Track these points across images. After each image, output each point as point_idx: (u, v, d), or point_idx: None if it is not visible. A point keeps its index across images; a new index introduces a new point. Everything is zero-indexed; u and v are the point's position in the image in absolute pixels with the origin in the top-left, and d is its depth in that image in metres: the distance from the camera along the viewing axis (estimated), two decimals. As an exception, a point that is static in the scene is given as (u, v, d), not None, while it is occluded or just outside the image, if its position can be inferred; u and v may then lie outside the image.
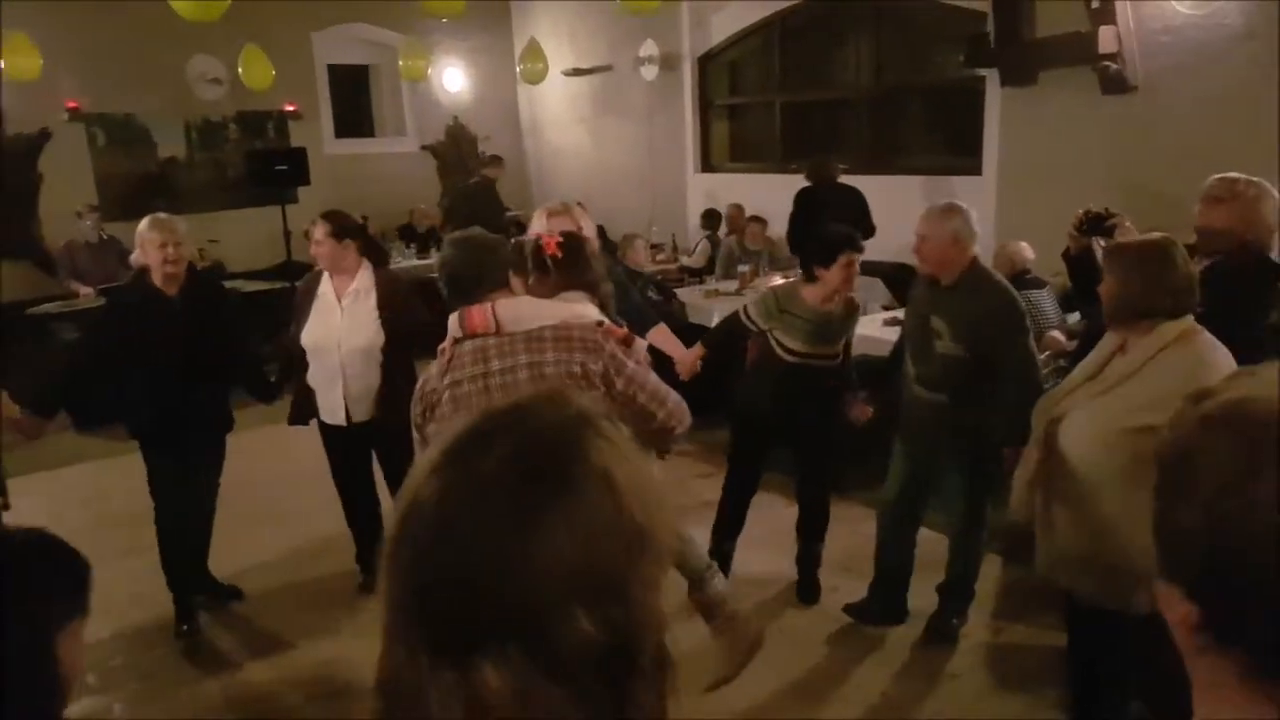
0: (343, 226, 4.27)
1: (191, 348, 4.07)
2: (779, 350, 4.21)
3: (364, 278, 4.28)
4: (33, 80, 8.16)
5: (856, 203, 7.53)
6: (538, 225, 4.17)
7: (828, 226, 4.75)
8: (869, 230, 7.42)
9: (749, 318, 4.26)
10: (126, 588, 4.45)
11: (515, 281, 2.83)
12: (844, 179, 7.84)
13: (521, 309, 2.66)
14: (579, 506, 0.74)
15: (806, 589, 4.46)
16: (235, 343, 4.45)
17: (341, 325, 4.21)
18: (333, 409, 4.29)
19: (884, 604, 4.11)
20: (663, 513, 0.79)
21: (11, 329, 7.37)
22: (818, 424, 4.30)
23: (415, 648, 0.74)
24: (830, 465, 4.53)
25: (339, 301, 4.23)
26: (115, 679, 4.01)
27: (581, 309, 2.75)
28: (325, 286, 4.29)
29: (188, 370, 4.06)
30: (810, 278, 4.15)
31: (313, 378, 4.30)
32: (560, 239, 2.98)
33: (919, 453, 3.89)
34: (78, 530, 5.51)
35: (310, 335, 4.25)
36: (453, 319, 2.67)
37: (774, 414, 4.22)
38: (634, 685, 0.75)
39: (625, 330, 2.81)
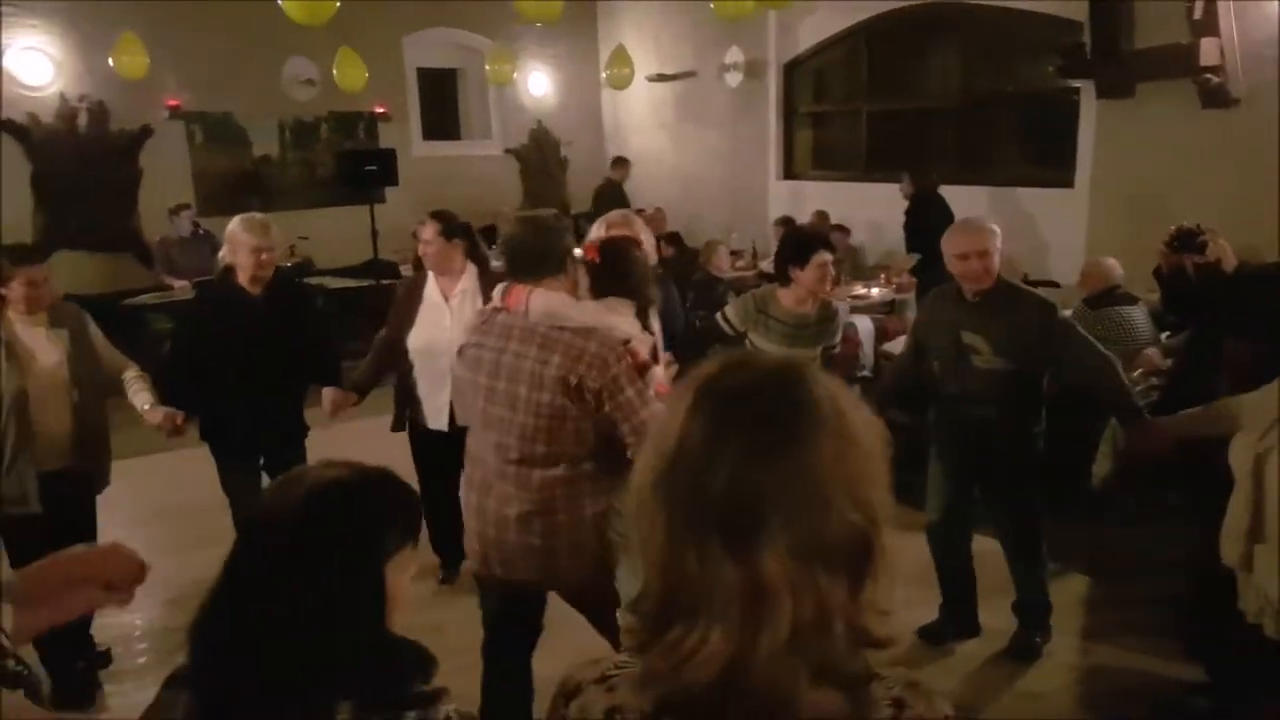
0: (451, 226, 4.27)
1: (272, 348, 4.01)
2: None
3: (469, 279, 4.27)
4: (138, 79, 8.48)
5: (947, 211, 7.47)
6: (596, 234, 4.25)
7: (799, 226, 4.76)
8: None
9: (726, 320, 4.23)
10: (202, 577, 4.52)
11: (559, 279, 2.82)
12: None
13: (552, 303, 2.69)
14: (823, 427, 0.94)
15: None
16: (318, 344, 4.38)
17: (451, 326, 4.15)
18: (438, 412, 4.24)
19: (956, 622, 4.05)
20: (870, 423, 0.99)
21: (108, 319, 7.62)
22: None
23: (704, 548, 0.91)
24: None
25: (446, 303, 4.22)
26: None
27: (614, 320, 2.79)
28: (430, 288, 4.27)
29: (269, 371, 4.01)
30: (785, 280, 4.10)
31: (419, 381, 4.26)
32: (600, 244, 3.04)
33: (962, 470, 3.82)
34: (165, 516, 5.63)
35: (418, 337, 4.22)
36: (498, 288, 2.80)
37: None
38: (875, 567, 0.94)
39: (646, 357, 2.86)
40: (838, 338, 4.37)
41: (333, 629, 1.26)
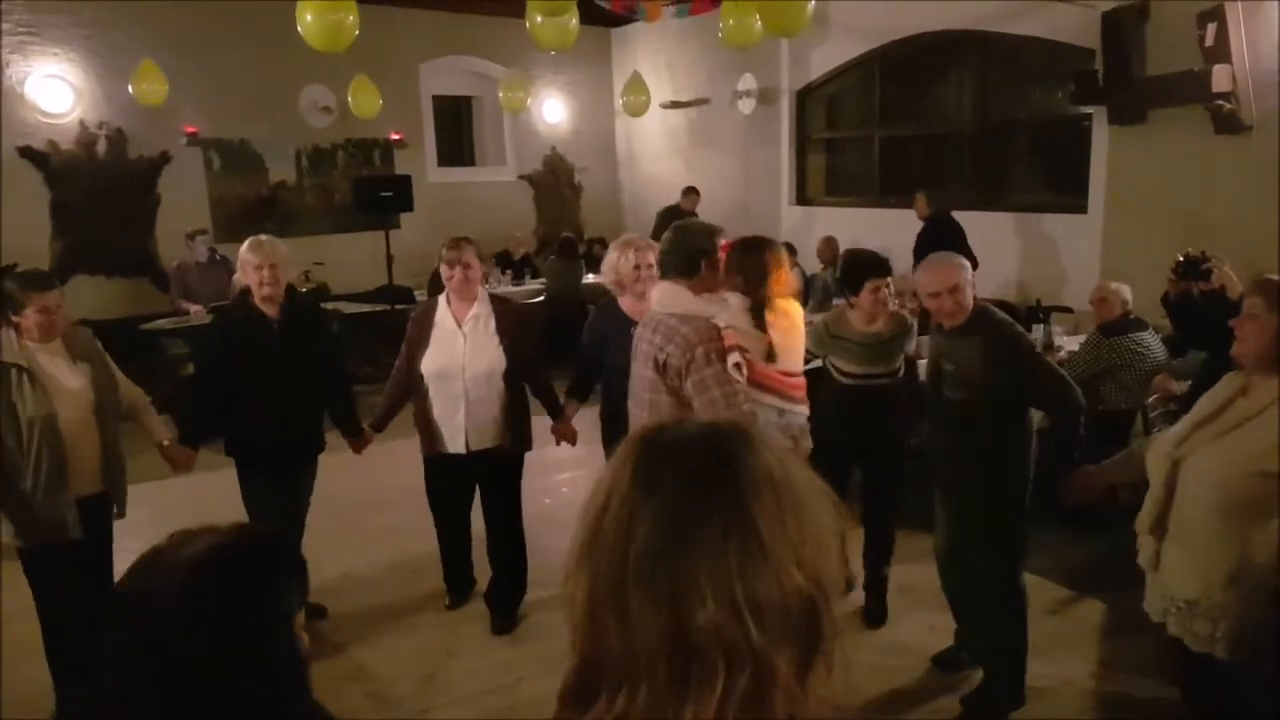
0: (478, 252, 4.36)
1: (289, 368, 4.12)
2: (836, 375, 4.30)
3: (482, 304, 4.32)
4: (157, 106, 8.59)
5: (961, 235, 7.48)
6: (612, 255, 4.32)
7: (853, 253, 4.79)
8: (973, 263, 7.42)
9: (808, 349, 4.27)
10: None
11: (692, 278, 3.17)
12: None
13: (666, 294, 3.18)
14: (763, 482, 0.89)
15: (875, 612, 4.41)
16: (331, 367, 4.50)
17: (465, 350, 4.23)
18: (454, 436, 4.28)
19: (970, 649, 3.99)
20: (820, 491, 0.93)
21: (124, 343, 7.68)
22: (883, 444, 4.32)
23: (624, 607, 0.86)
24: (897, 486, 4.52)
25: (460, 327, 4.27)
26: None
27: (715, 308, 3.12)
28: (443, 313, 4.31)
29: (289, 392, 4.12)
30: (851, 303, 4.27)
31: (434, 406, 4.30)
32: (730, 244, 3.41)
33: (948, 506, 3.76)
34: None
35: (432, 362, 4.26)
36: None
37: (843, 436, 4.18)
38: (825, 644, 0.88)
39: (736, 339, 3.10)
40: (912, 345, 4.44)
41: (257, 706, 1.17)
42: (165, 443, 4.05)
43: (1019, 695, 3.69)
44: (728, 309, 3.21)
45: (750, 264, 3.43)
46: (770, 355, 3.26)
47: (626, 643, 0.85)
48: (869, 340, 4.21)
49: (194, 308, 8.39)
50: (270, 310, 4.14)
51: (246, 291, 4.19)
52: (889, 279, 4.18)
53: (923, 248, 7.68)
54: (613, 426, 4.35)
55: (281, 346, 4.12)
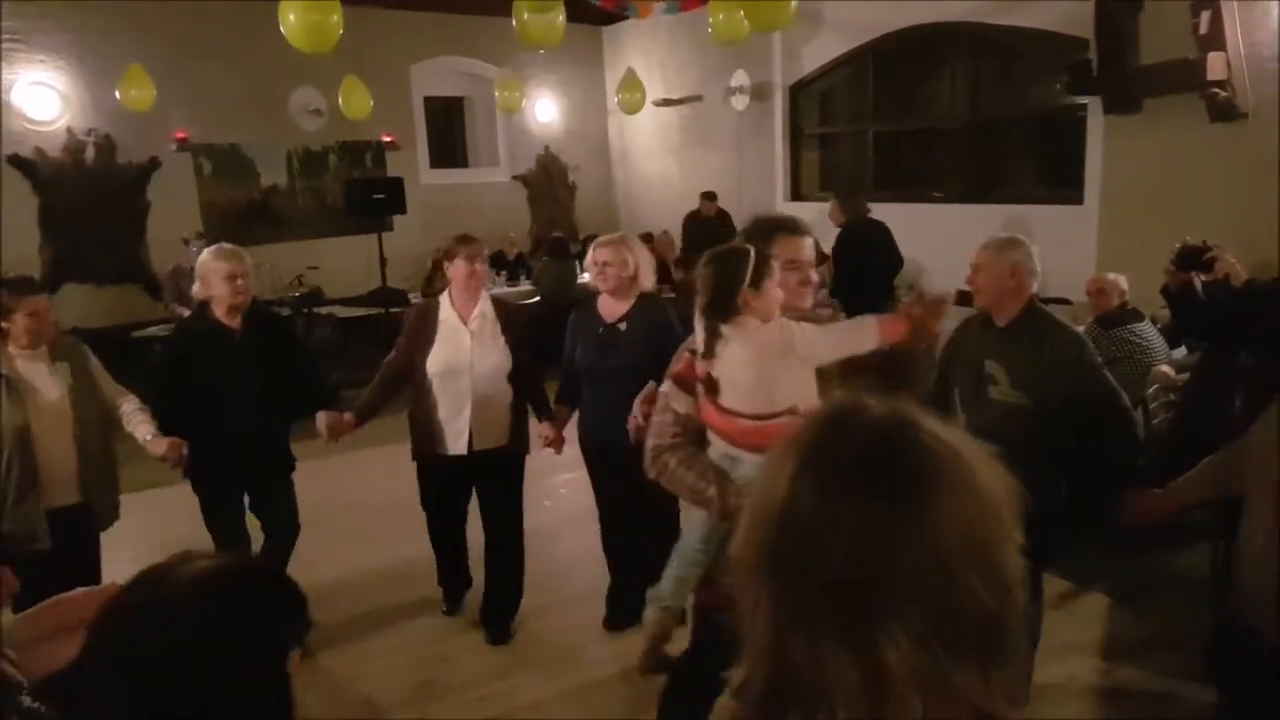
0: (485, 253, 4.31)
1: (253, 382, 3.99)
2: None
3: (486, 303, 4.28)
4: (145, 111, 8.53)
5: (887, 237, 7.47)
6: (593, 255, 4.23)
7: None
8: (899, 263, 7.63)
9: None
10: None
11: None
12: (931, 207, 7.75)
13: None
14: (946, 489, 0.84)
15: None
16: (303, 374, 4.33)
17: (472, 348, 4.17)
18: (457, 436, 4.20)
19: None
20: (1000, 478, 0.89)
21: (116, 350, 7.63)
22: None
23: (816, 637, 0.82)
24: None
25: (465, 325, 4.21)
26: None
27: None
28: (446, 312, 4.23)
29: (254, 405, 3.98)
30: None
31: (438, 405, 4.22)
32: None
33: None
34: (175, 550, 5.61)
35: (439, 360, 4.18)
36: None
37: None
38: (1008, 647, 0.85)
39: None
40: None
41: None
42: (149, 438, 3.80)
43: (1023, 696, 3.63)
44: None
45: (707, 277, 2.59)
46: (711, 387, 2.53)
47: (817, 671, 0.82)
48: None
49: (187, 312, 8.33)
50: (232, 321, 3.99)
51: (206, 304, 4.01)
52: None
53: (841, 256, 7.61)
54: (587, 427, 4.30)
55: (244, 358, 3.98)
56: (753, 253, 2.42)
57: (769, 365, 2.40)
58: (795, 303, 2.53)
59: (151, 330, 8.13)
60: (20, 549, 3.43)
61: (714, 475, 2.48)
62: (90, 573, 3.80)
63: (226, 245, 4.07)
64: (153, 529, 5.41)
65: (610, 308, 4.15)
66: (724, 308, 2.40)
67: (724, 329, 2.41)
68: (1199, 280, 3.47)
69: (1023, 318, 3.34)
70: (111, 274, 9.31)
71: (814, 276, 2.63)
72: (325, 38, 4.64)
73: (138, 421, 3.83)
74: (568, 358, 4.32)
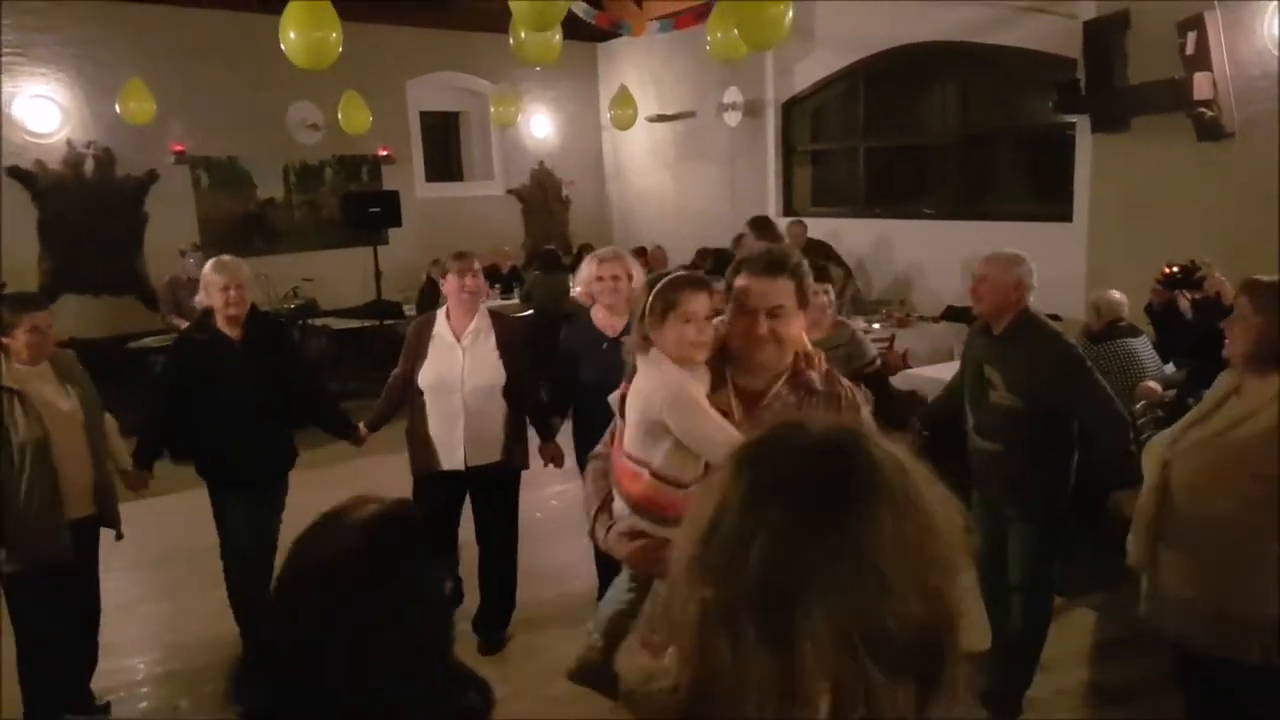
0: (480, 267, 4.36)
1: (255, 389, 4.10)
2: None
3: (482, 318, 4.30)
4: (145, 124, 8.59)
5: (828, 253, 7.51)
6: (587, 270, 4.28)
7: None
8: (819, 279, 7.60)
9: None
10: (217, 618, 4.44)
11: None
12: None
13: None
14: (882, 498, 0.83)
15: None
16: (306, 384, 4.49)
17: (464, 364, 4.20)
18: (451, 452, 4.22)
19: (1008, 684, 3.77)
20: (948, 503, 0.88)
21: (113, 361, 7.66)
22: None
23: (738, 635, 0.82)
24: None
25: (458, 341, 4.25)
26: (184, 714, 4.06)
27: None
28: (441, 327, 4.28)
29: (253, 411, 4.11)
30: None
31: (431, 421, 4.26)
32: None
33: (987, 504, 3.76)
34: (174, 558, 5.59)
35: (430, 375, 4.23)
36: None
37: None
38: (949, 675, 0.83)
39: None
40: (869, 355, 4.33)
41: (416, 660, 1.26)
42: (124, 467, 4.04)
43: (1017, 705, 3.68)
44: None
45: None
46: (623, 409, 2.43)
47: (739, 672, 0.82)
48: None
49: (184, 324, 8.36)
50: (233, 331, 4.12)
51: (208, 312, 4.15)
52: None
53: None
54: (585, 444, 4.33)
55: (244, 366, 4.10)
56: (655, 288, 2.33)
57: (650, 406, 2.29)
58: (686, 354, 2.31)
59: (148, 341, 8.15)
60: (45, 564, 3.49)
61: (599, 499, 2.51)
62: (93, 585, 3.87)
63: (225, 257, 4.21)
64: (144, 538, 5.45)
65: (608, 321, 4.19)
66: (641, 335, 2.35)
67: (639, 355, 2.36)
68: (1187, 298, 3.55)
69: (1017, 324, 3.52)
70: (109, 285, 9.36)
71: (708, 332, 2.31)
72: (325, 55, 4.71)
73: (120, 443, 4.02)
74: (563, 371, 4.35)
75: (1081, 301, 5.95)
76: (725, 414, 2.28)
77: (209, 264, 4.15)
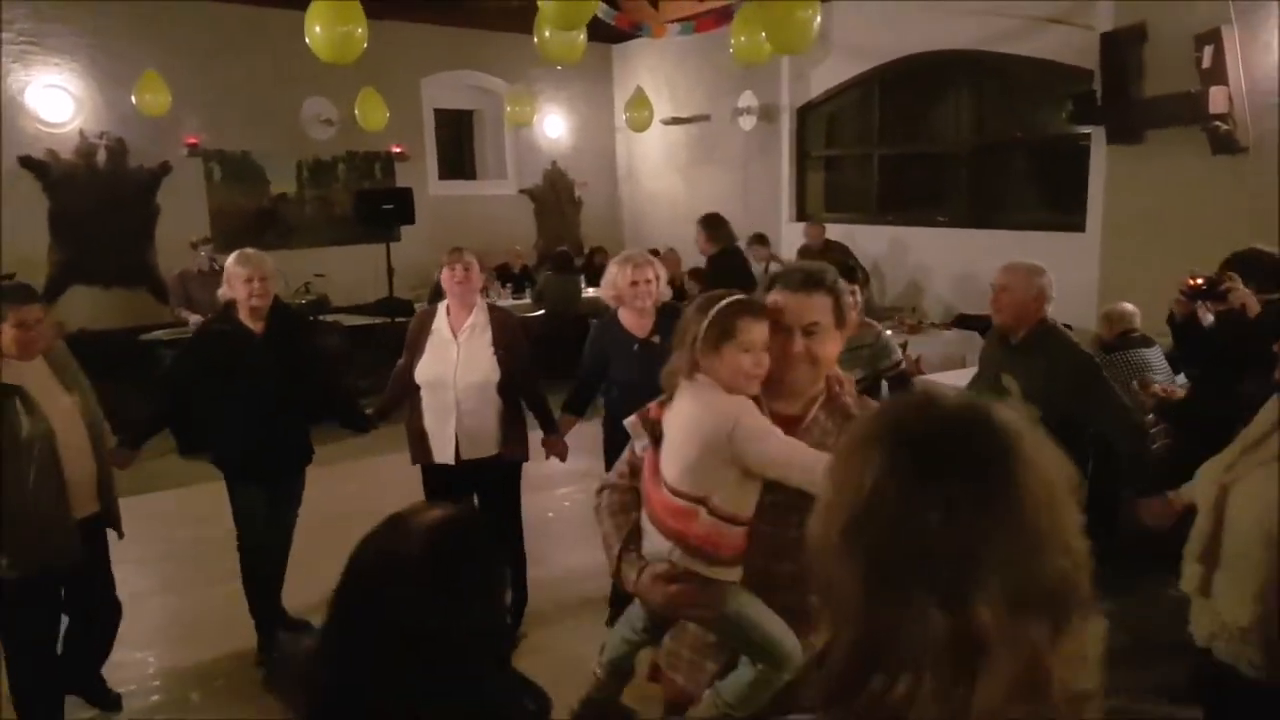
0: (475, 261, 4.39)
1: (277, 382, 4.12)
2: None
3: (480, 313, 4.33)
4: (160, 116, 8.61)
5: (744, 264, 7.49)
6: (617, 275, 4.28)
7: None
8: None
9: None
10: (226, 611, 4.49)
11: None
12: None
13: None
14: (1027, 468, 0.91)
15: None
16: (324, 378, 4.50)
17: (458, 360, 4.22)
18: (444, 446, 4.25)
19: None
20: (1062, 459, 0.96)
21: (123, 353, 7.68)
22: None
23: (909, 599, 0.88)
24: None
25: (455, 337, 4.26)
26: (195, 707, 4.05)
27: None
28: (440, 322, 4.32)
29: (273, 404, 4.12)
30: None
31: (426, 414, 4.30)
32: None
33: None
34: (182, 552, 5.59)
35: (426, 370, 4.26)
36: None
37: None
38: (1079, 614, 0.92)
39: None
40: (894, 356, 4.35)
41: (477, 660, 1.30)
42: (111, 448, 3.88)
43: None
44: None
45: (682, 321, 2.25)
46: (656, 435, 2.19)
47: (908, 629, 0.88)
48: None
49: (193, 317, 8.37)
50: (255, 323, 4.14)
51: (231, 304, 4.17)
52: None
53: (710, 284, 7.67)
54: (613, 445, 4.35)
55: (265, 359, 4.10)
56: (710, 312, 2.12)
57: (702, 438, 2.08)
58: (740, 385, 2.11)
59: (158, 334, 8.16)
60: (56, 567, 3.39)
61: (621, 536, 2.23)
62: (108, 585, 3.81)
63: (249, 250, 4.23)
64: (150, 532, 5.47)
65: (638, 322, 4.25)
66: (686, 359, 2.14)
67: (683, 380, 2.15)
68: (1209, 310, 3.56)
69: (1035, 333, 3.57)
70: (119, 277, 9.37)
71: (765, 362, 2.12)
72: (350, 49, 4.73)
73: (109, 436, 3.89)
74: (590, 372, 4.39)
75: (1093, 311, 5.96)
76: None
77: (232, 257, 4.16)
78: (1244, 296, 3.51)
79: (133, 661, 4.22)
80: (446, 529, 1.35)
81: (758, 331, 2.12)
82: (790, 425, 2.15)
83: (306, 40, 4.76)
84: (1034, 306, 3.55)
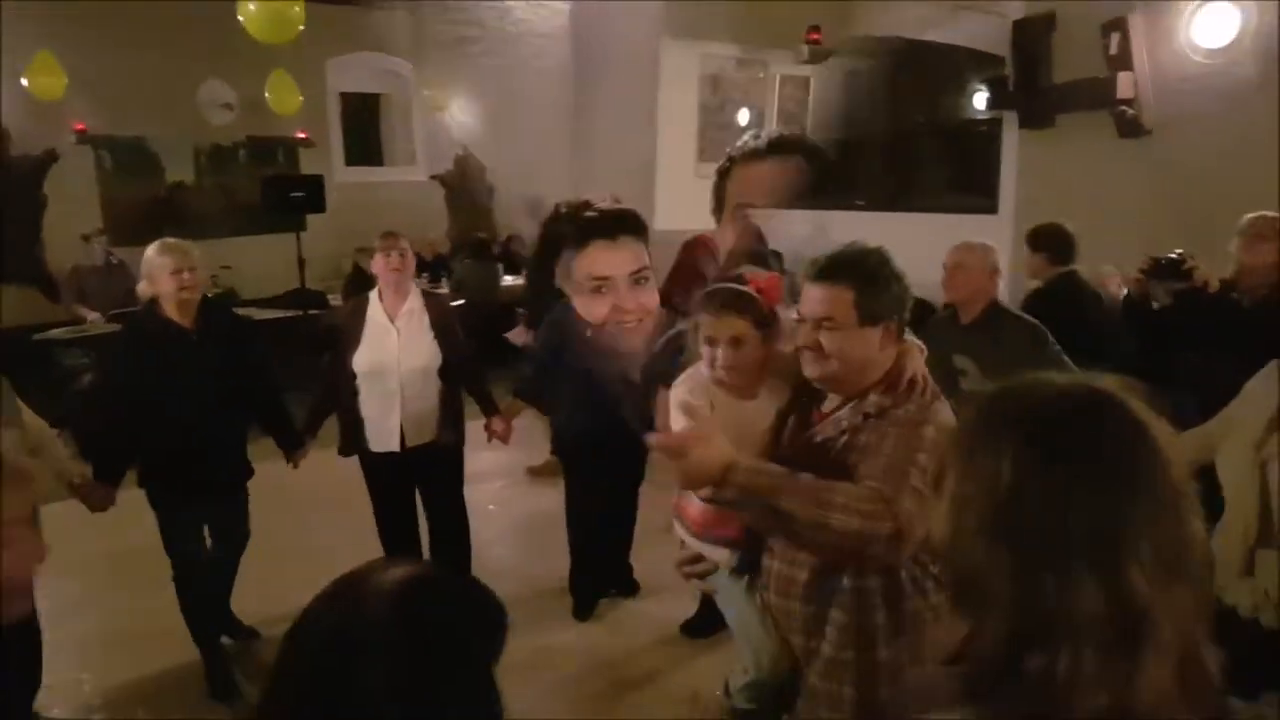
0: (409, 247, 4.30)
1: (212, 384, 3.79)
2: None
3: (415, 299, 4.27)
4: (48, 101, 8.12)
5: None
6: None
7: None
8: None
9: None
10: (150, 623, 4.29)
11: None
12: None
13: None
14: (1155, 441, 0.96)
15: None
16: (259, 379, 4.16)
17: (399, 345, 4.15)
18: (388, 434, 4.17)
19: None
20: (1169, 430, 1.00)
21: (18, 354, 7.24)
22: None
23: (1065, 575, 0.92)
24: None
25: (393, 323, 4.18)
26: None
27: None
28: (375, 310, 4.22)
29: (210, 412, 3.79)
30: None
31: (365, 404, 4.18)
32: None
33: None
34: (99, 561, 5.30)
35: (365, 358, 4.15)
36: None
37: None
38: (1203, 576, 0.97)
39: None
40: None
41: None
42: (77, 481, 3.65)
43: None
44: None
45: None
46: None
47: (1063, 604, 0.91)
48: None
49: (90, 314, 7.98)
50: (185, 320, 3.81)
51: (154, 301, 3.83)
52: None
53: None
54: (567, 432, 4.31)
55: (202, 360, 3.79)
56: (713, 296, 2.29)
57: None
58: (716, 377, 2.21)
59: (55, 333, 7.73)
60: None
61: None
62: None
63: (171, 239, 3.90)
64: (67, 541, 5.15)
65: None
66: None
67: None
68: (1166, 290, 3.67)
69: (988, 312, 3.63)
70: (6, 274, 8.82)
71: (729, 358, 2.24)
72: (286, 28, 4.50)
73: (62, 453, 3.66)
74: (542, 359, 4.26)
75: (1006, 291, 6.12)
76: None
77: (152, 247, 3.82)
78: (1208, 275, 3.64)
79: (65, 683, 3.96)
80: (416, 590, 1.10)
81: (717, 327, 2.23)
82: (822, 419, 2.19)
83: (240, 19, 4.49)
84: (988, 283, 3.63)
